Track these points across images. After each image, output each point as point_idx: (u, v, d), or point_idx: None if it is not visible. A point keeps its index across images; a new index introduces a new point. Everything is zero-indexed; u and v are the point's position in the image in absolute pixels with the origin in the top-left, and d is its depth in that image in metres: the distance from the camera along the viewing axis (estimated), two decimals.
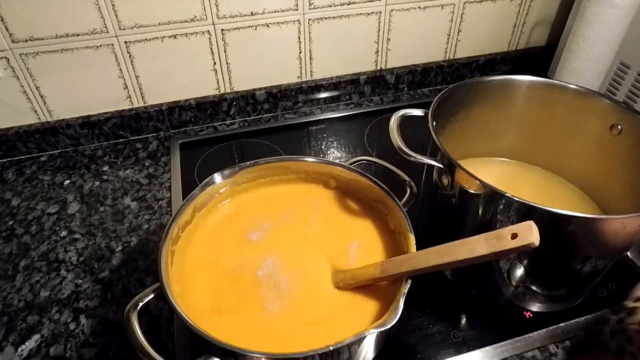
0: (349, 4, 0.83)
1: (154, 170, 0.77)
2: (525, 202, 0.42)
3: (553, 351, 0.50)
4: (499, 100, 0.61)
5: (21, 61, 0.73)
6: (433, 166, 0.51)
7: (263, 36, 0.82)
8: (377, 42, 0.91)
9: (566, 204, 0.60)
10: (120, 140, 0.85)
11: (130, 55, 0.77)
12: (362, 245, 0.51)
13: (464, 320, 0.53)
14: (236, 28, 0.80)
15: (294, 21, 0.82)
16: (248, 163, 0.55)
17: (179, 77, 0.83)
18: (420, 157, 0.50)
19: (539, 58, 1.02)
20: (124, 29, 0.74)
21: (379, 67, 0.95)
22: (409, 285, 0.42)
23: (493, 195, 0.44)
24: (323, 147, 0.83)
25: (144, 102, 0.84)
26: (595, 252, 0.45)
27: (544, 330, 0.51)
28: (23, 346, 0.51)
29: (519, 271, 0.49)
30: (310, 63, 0.89)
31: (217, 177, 0.54)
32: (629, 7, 0.76)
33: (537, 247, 0.36)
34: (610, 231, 0.44)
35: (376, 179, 0.53)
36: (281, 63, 0.87)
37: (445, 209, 0.54)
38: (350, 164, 0.56)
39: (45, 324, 0.54)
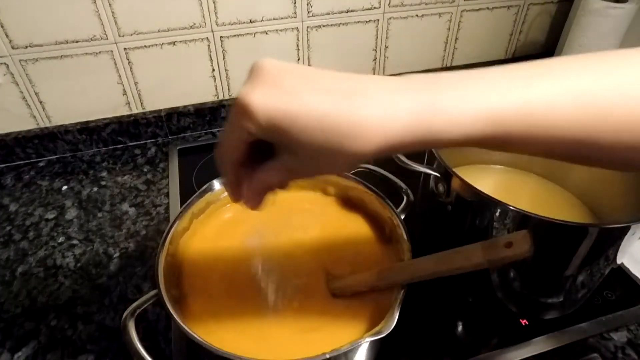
0: (347, 12, 0.84)
1: (152, 176, 0.78)
2: (520, 210, 0.42)
3: (549, 359, 0.50)
4: None
5: (21, 67, 0.73)
6: (430, 174, 0.51)
7: (262, 43, 0.83)
8: (375, 50, 0.91)
9: (562, 211, 0.61)
10: (119, 146, 0.85)
11: (129, 62, 0.78)
12: (358, 252, 0.52)
13: (460, 328, 0.53)
14: (235, 35, 0.81)
15: (292, 29, 0.83)
16: None
17: (177, 83, 0.83)
18: (417, 166, 0.51)
19: None
20: (123, 36, 0.75)
21: (377, 74, 0.95)
22: (404, 293, 0.42)
23: (488, 204, 0.45)
24: None
25: (143, 108, 0.84)
26: (590, 260, 0.46)
27: (539, 337, 0.51)
28: (19, 352, 0.51)
29: (515, 279, 0.49)
30: None
31: (216, 184, 0.54)
32: (624, 17, 0.77)
33: (533, 255, 0.37)
34: (605, 239, 0.44)
35: (373, 186, 0.53)
36: None
37: (441, 216, 0.54)
38: None
39: (42, 330, 0.54)
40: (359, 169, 0.59)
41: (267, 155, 0.30)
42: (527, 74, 0.26)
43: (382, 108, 0.25)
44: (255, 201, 0.32)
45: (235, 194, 0.33)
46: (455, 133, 0.26)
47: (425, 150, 0.27)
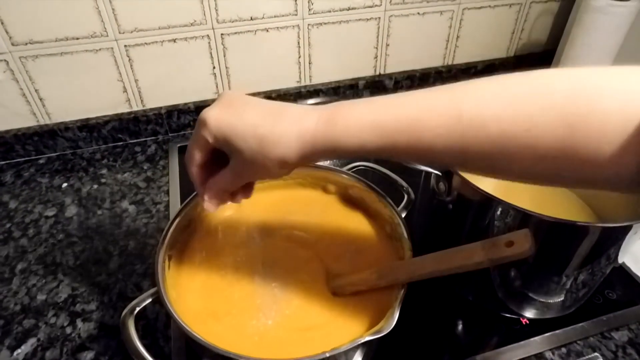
0: (349, 9, 0.84)
1: (152, 173, 0.77)
2: (521, 209, 0.42)
3: (549, 358, 0.50)
4: None
5: (20, 64, 0.73)
6: (431, 172, 0.51)
7: (262, 41, 0.82)
8: (376, 48, 0.91)
9: (563, 210, 0.60)
10: (119, 143, 0.85)
11: (129, 59, 0.77)
12: (359, 250, 0.51)
13: (460, 327, 0.53)
14: (236, 32, 0.80)
15: (293, 26, 0.83)
16: None
17: (178, 80, 0.83)
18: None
19: (537, 64, 1.02)
20: (123, 33, 0.74)
21: (377, 72, 0.95)
22: (404, 292, 0.42)
23: (489, 203, 0.44)
24: None
25: (143, 106, 0.84)
26: (591, 260, 0.46)
27: (540, 337, 0.51)
28: (19, 350, 0.51)
29: (516, 278, 0.49)
30: (310, 68, 0.89)
31: None
32: (626, 15, 0.76)
33: (534, 254, 0.36)
34: (607, 238, 0.44)
35: (374, 185, 0.53)
36: (280, 67, 0.88)
37: (442, 215, 0.54)
38: (348, 169, 0.56)
39: (41, 328, 0.53)
40: (360, 167, 0.59)
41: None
42: (407, 97, 0.34)
43: (295, 123, 0.35)
44: (211, 203, 0.41)
45: (201, 194, 0.41)
46: (353, 141, 0.34)
47: (337, 159, 0.35)
